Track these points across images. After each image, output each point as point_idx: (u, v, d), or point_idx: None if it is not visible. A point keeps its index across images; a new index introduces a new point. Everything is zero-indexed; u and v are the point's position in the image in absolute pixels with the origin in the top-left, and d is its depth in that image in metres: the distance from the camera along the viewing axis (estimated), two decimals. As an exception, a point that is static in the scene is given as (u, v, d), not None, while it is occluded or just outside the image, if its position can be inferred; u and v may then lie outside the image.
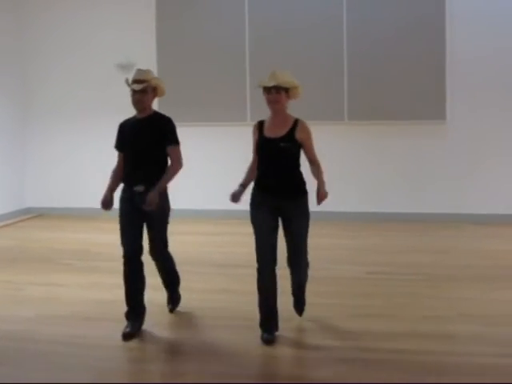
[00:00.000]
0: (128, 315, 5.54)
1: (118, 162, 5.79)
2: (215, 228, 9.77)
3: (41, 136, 11.19)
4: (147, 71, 5.68)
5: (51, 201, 11.14)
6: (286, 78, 5.28)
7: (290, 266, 5.39)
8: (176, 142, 5.62)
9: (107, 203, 5.74)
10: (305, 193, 5.28)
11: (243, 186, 5.45)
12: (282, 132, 5.25)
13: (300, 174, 5.30)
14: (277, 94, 5.26)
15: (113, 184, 5.80)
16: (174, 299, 6.07)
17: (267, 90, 5.30)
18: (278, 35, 10.25)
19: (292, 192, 5.27)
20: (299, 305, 5.70)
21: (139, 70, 5.68)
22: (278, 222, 5.28)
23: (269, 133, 5.29)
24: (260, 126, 5.38)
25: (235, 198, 5.37)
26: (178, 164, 5.61)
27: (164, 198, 5.62)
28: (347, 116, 10.15)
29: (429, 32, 9.89)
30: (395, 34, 9.97)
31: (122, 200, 5.64)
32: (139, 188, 5.52)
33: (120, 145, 5.77)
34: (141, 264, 5.61)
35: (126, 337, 5.35)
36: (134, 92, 5.55)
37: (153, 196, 5.38)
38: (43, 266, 7.68)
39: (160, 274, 5.95)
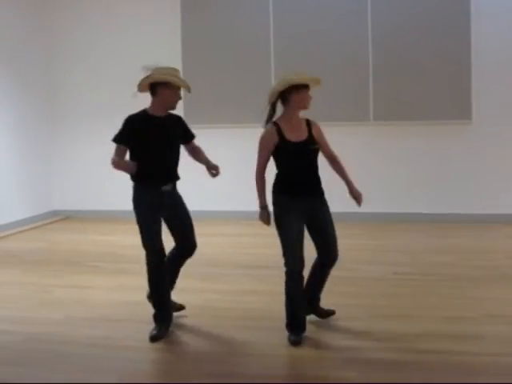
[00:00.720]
0: (156, 317, 5.57)
1: (121, 156, 5.52)
2: (239, 229, 9.78)
3: (68, 140, 11.26)
4: None
5: (79, 203, 11.22)
6: None
7: (327, 260, 5.40)
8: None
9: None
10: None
11: (266, 207, 5.44)
12: (304, 134, 5.29)
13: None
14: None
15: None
16: None
17: (304, 88, 5.30)
18: (303, 35, 10.24)
19: (320, 191, 5.38)
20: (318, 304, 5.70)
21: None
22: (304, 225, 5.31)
23: (291, 136, 5.28)
24: (278, 129, 5.32)
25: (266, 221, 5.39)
26: None
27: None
28: (373, 116, 10.13)
29: (454, 30, 9.82)
30: (420, 33, 9.92)
31: (147, 200, 5.49)
32: (167, 187, 5.52)
33: (127, 139, 5.52)
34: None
35: (153, 339, 5.38)
36: (178, 93, 5.54)
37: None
38: (70, 268, 7.74)
39: (177, 269, 5.82)
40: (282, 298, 5.27)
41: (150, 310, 5.59)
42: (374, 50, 10.06)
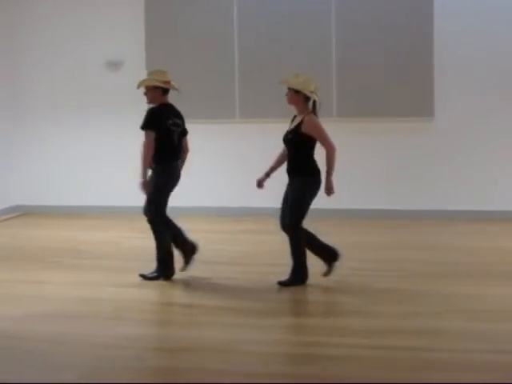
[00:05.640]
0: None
1: None
2: (207, 225, 9.73)
3: (28, 134, 11.10)
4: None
5: (39, 199, 11.08)
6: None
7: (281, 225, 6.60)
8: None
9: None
10: None
11: None
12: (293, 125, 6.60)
13: None
14: None
15: None
16: None
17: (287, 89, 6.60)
18: (267, 31, 10.23)
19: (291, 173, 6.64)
20: None
21: None
22: None
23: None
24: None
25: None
26: None
27: None
28: (336, 112, 10.15)
29: (417, 28, 9.90)
30: (383, 30, 9.97)
31: None
32: None
33: None
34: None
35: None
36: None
37: None
38: (31, 264, 7.65)
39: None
40: (243, 295, 5.27)
41: (108, 306, 5.57)
42: (338, 47, 10.08)
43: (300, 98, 6.41)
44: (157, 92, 6.77)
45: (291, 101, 6.46)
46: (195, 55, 10.45)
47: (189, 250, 6.86)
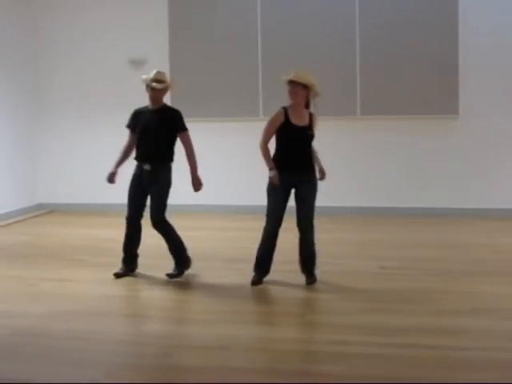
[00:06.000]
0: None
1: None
2: (226, 223, 9.76)
3: (52, 132, 11.19)
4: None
5: (63, 197, 11.15)
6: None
7: (301, 225, 6.39)
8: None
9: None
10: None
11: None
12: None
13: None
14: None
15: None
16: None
17: (288, 84, 6.47)
18: (291, 30, 10.23)
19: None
20: None
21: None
22: None
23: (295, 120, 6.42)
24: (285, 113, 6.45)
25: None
26: None
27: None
28: (360, 111, 10.12)
29: (441, 25, 9.85)
30: (407, 29, 9.93)
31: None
32: (147, 167, 6.73)
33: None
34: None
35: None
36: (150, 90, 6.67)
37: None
38: (55, 262, 7.68)
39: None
40: (267, 293, 5.26)
41: (132, 303, 5.56)
42: (362, 45, 10.06)
43: (306, 94, 6.37)
44: (164, 93, 6.79)
45: (297, 96, 6.35)
46: (219, 54, 10.45)
47: (133, 264, 6.95)
